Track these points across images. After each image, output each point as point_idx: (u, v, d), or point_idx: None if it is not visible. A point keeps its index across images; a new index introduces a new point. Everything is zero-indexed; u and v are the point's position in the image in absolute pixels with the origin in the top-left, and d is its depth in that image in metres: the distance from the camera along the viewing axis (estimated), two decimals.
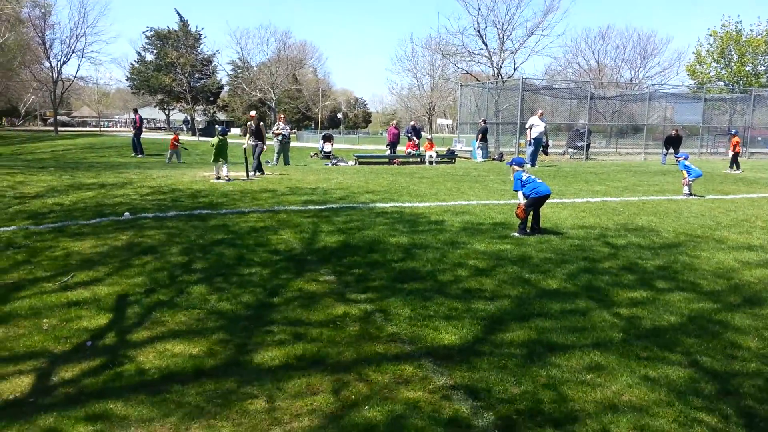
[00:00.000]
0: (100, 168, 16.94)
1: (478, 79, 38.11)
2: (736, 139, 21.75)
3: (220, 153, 13.83)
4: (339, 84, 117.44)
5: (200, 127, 58.96)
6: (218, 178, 13.87)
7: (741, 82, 40.43)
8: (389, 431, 3.13)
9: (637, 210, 10.69)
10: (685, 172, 12.84)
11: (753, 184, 16.39)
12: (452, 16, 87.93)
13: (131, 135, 24.50)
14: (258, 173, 15.73)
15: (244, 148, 15.73)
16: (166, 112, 70.92)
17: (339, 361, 3.98)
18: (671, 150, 23.64)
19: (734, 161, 21.24)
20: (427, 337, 4.43)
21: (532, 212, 8.25)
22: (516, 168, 8.47)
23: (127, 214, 8.97)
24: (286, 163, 20.79)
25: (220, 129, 14.53)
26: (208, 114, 68.42)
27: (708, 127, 32.00)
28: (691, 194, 12.84)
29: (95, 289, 5.40)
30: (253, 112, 18.18)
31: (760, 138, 33.94)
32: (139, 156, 23.26)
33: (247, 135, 16.78)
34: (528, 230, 8.15)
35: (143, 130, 25.53)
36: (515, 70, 37.79)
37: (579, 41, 78.81)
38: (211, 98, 66.02)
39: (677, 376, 3.85)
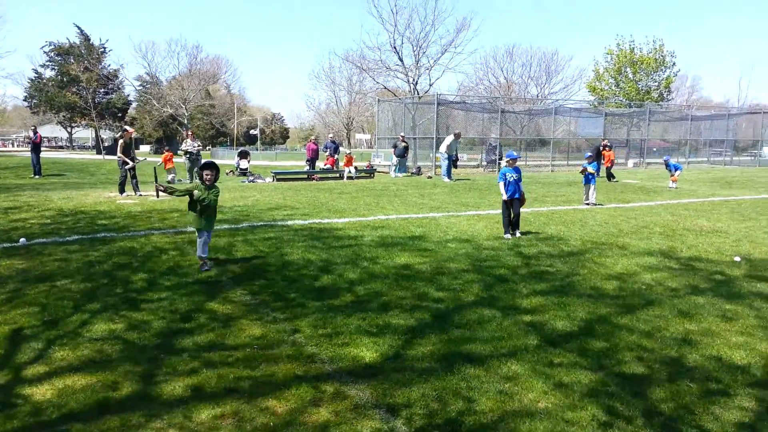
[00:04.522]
0: None
1: (395, 95, 38.72)
2: (609, 153, 22.42)
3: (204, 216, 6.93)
4: (255, 100, 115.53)
5: (106, 144, 55.98)
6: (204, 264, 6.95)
7: (635, 97, 43.43)
8: None
9: (546, 220, 11.15)
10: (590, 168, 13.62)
11: (651, 192, 17.56)
12: (372, 31, 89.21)
13: (30, 154, 22.86)
14: (122, 194, 14.52)
15: (155, 167, 15.04)
16: (69, 129, 67.02)
17: (255, 386, 3.83)
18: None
19: (609, 174, 21.87)
20: (347, 356, 4.35)
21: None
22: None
23: (22, 240, 8.31)
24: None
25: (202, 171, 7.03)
26: (115, 131, 65.24)
27: (608, 140, 34.05)
28: (594, 203, 13.58)
29: None
30: (129, 128, 16.08)
31: (655, 149, 36.53)
32: (37, 177, 21.72)
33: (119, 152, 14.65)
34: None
35: (41, 149, 23.90)
36: (431, 86, 38.81)
37: (488, 59, 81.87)
38: (119, 114, 63.10)
39: (589, 381, 3.99)
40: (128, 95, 65.10)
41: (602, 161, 22.16)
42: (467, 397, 3.71)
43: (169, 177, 19.70)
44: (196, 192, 6.85)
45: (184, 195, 7.06)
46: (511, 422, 3.41)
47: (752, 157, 38.75)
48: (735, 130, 38.55)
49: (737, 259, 7.88)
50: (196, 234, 6.98)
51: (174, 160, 21.12)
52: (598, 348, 4.59)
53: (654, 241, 9.05)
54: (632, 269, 7.20)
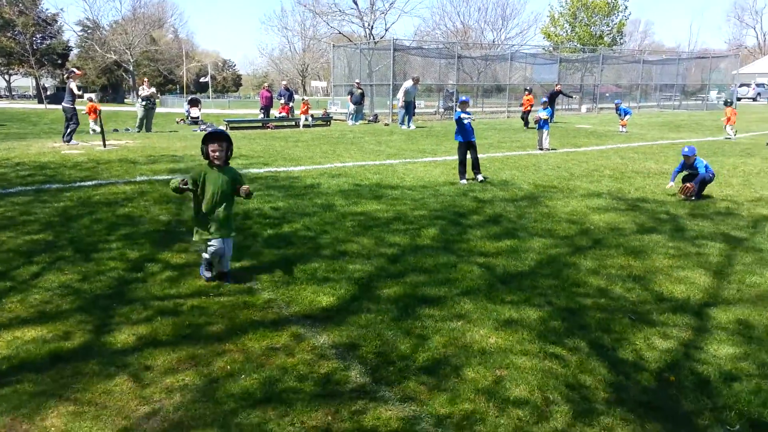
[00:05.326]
0: None
1: (350, 40, 37.88)
2: (528, 97, 22.30)
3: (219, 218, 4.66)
4: (204, 45, 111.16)
5: (49, 93, 53.23)
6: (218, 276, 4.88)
7: (589, 42, 43.68)
8: (266, 397, 3.09)
9: (501, 165, 11.30)
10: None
11: (602, 136, 17.93)
12: None
13: None
14: (67, 143, 13.85)
15: (101, 124, 14.49)
16: (6, 77, 63.37)
17: (212, 333, 3.84)
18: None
19: (525, 119, 21.46)
20: (304, 301, 4.40)
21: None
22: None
23: None
24: (148, 129, 19.51)
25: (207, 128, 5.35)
26: (57, 78, 61.98)
27: (563, 85, 34.36)
28: (548, 148, 13.81)
29: None
30: (77, 70, 14.88)
31: (608, 94, 37.04)
32: None
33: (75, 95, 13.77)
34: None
35: None
36: (386, 30, 38.09)
37: (445, 3, 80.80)
38: (59, 61, 59.84)
39: (537, 316, 4.16)
40: (68, 41, 61.70)
41: (555, 107, 22.12)
42: (421, 335, 3.82)
43: (96, 128, 18.51)
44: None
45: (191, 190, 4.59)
46: (462, 357, 3.54)
47: (700, 101, 39.79)
48: (684, 74, 39.36)
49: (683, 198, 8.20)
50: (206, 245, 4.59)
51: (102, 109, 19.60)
52: (547, 285, 4.77)
53: (603, 184, 9.31)
54: (582, 211, 7.42)
